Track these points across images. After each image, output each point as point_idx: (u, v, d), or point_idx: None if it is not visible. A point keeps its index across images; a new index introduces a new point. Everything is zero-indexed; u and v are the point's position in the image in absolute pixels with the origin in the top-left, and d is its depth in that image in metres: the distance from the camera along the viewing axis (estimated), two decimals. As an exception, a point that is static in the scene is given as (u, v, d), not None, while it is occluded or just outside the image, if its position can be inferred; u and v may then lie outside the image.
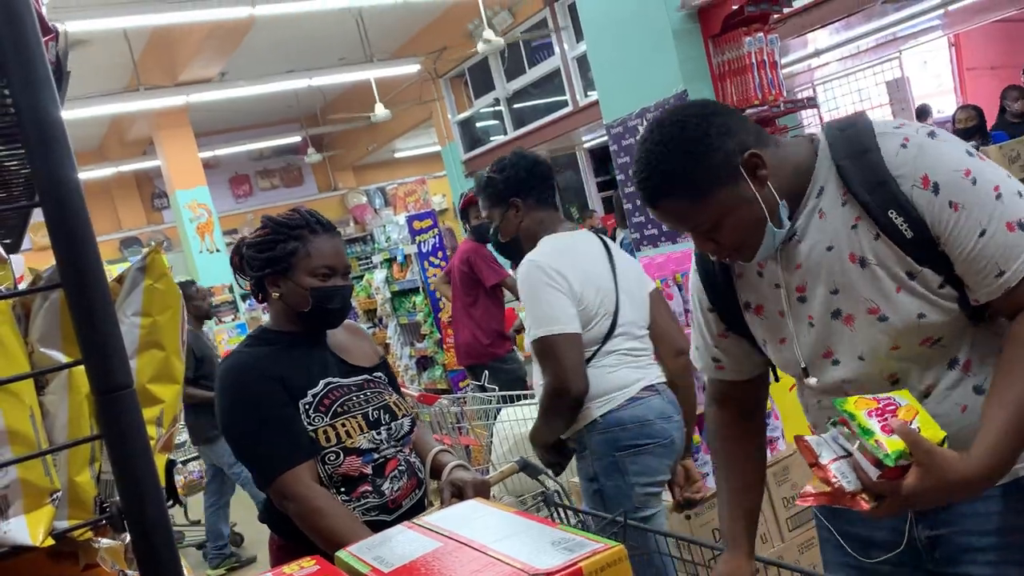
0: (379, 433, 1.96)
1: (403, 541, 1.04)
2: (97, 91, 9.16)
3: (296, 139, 14.12)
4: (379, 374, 2.11)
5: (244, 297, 11.67)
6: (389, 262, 7.82)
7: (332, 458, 1.90)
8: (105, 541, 1.01)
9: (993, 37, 11.51)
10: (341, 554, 1.03)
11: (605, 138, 4.96)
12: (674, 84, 4.08)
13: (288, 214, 2.02)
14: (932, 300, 1.30)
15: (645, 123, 4.30)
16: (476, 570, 0.88)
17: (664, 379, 2.47)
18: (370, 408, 1.98)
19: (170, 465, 1.13)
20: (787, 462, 2.77)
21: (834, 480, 1.27)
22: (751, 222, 1.35)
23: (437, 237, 7.16)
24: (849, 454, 1.29)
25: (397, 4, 8.70)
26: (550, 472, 2.31)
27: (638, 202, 4.43)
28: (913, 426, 1.25)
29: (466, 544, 0.96)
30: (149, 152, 12.04)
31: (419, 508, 1.99)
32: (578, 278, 2.36)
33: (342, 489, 1.92)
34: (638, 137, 1.53)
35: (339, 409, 1.94)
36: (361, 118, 11.40)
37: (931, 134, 1.31)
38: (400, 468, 1.99)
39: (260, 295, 2.04)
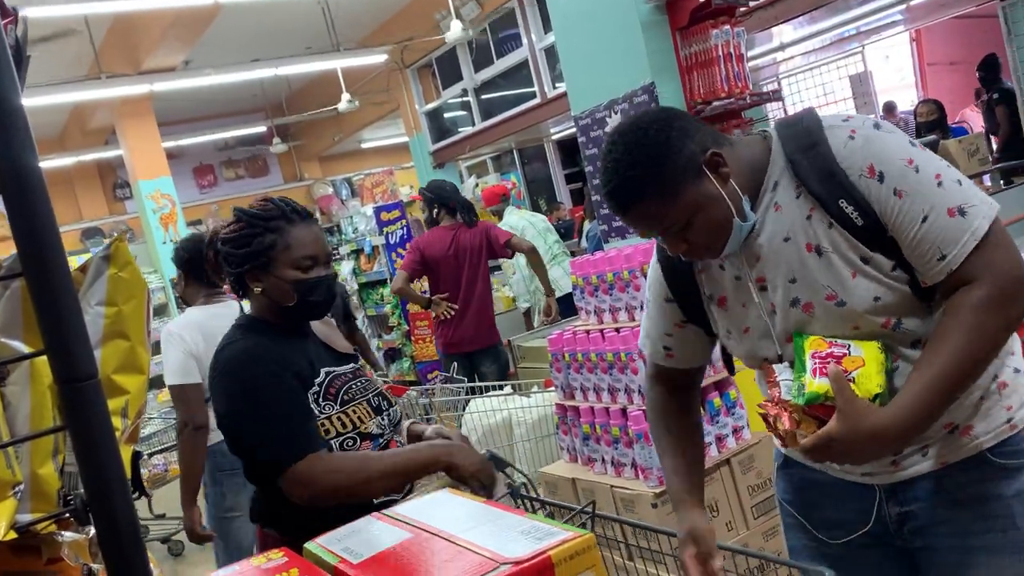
0: (383, 419, 1.98)
1: (372, 532, 1.03)
2: (58, 79, 8.97)
3: (261, 129, 13.96)
4: (360, 362, 2.11)
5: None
6: (356, 253, 7.78)
7: (350, 444, 1.89)
8: (69, 534, 1.00)
9: (953, 33, 11.71)
10: (310, 546, 1.03)
11: (573, 130, 4.96)
12: (642, 76, 4.09)
13: (261, 205, 1.94)
14: (886, 283, 1.36)
15: (613, 115, 4.31)
16: (446, 560, 0.88)
17: None
18: (370, 395, 1.99)
19: (136, 457, 1.12)
20: (752, 451, 2.81)
21: (778, 393, 1.38)
22: (720, 218, 1.41)
23: (405, 228, 7.12)
24: None
25: (364, -7, 8.63)
26: (516, 465, 2.37)
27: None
28: (851, 376, 1.32)
29: (436, 534, 0.97)
30: (111, 141, 11.83)
31: (410, 491, 1.98)
32: (201, 340, 3.20)
33: None
34: (602, 145, 1.57)
35: (345, 397, 1.93)
36: (327, 108, 11.30)
37: (876, 126, 1.38)
38: None
39: (240, 291, 1.96)
